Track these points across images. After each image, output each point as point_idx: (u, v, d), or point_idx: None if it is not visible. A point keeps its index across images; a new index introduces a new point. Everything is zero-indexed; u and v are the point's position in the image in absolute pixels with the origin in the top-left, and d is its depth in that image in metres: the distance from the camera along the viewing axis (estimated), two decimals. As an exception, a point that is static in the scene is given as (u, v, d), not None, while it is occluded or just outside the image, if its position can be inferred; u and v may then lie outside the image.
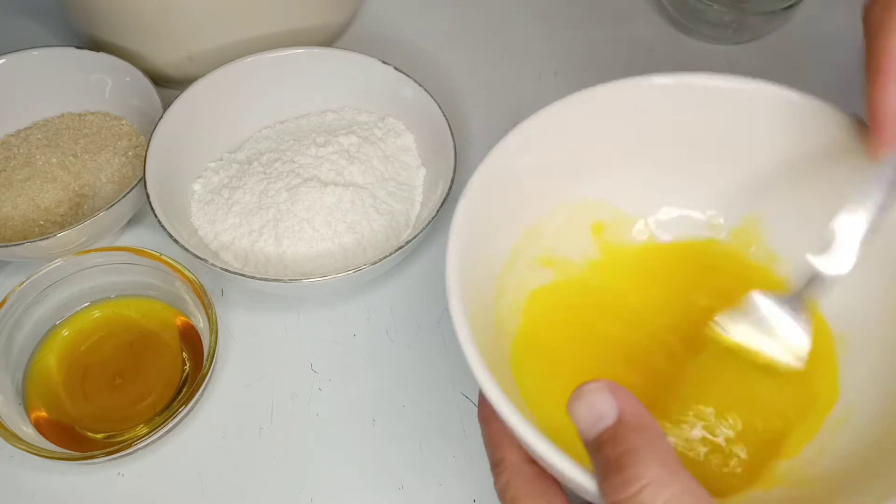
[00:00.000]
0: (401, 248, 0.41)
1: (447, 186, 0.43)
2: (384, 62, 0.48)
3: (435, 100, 0.47)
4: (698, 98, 0.35)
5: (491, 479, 0.40)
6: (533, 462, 0.27)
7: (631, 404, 0.23)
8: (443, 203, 0.42)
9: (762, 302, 0.32)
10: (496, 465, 0.28)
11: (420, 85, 0.47)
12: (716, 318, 0.32)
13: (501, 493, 0.28)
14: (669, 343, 0.35)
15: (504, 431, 0.28)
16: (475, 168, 0.32)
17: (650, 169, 0.36)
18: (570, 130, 0.34)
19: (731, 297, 0.33)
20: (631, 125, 0.35)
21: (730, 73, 0.60)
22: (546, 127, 0.34)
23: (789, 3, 0.58)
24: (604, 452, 0.23)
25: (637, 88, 0.35)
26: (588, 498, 0.25)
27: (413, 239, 0.41)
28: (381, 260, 0.40)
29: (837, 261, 0.30)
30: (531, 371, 0.33)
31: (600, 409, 0.23)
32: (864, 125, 0.31)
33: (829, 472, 0.30)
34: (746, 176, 0.36)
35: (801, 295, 0.31)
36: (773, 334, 0.31)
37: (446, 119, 0.46)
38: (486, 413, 0.29)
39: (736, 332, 0.32)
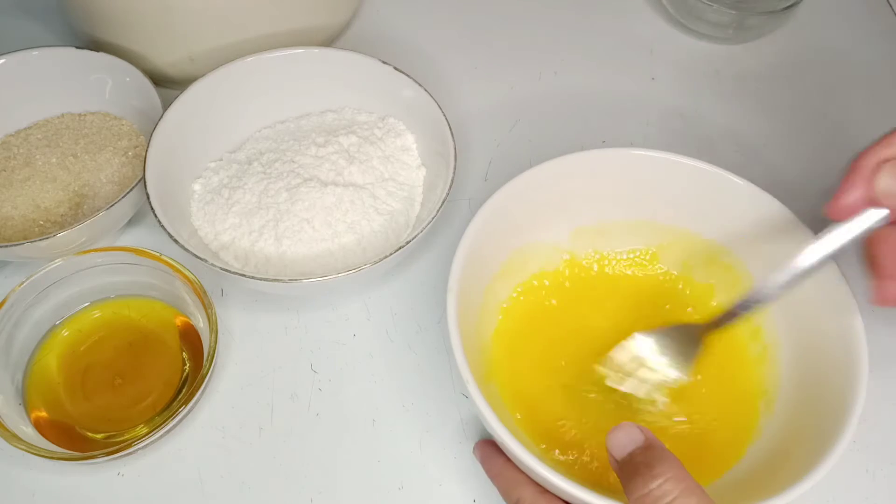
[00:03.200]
0: (401, 248, 0.41)
1: (447, 186, 0.43)
2: (384, 62, 0.48)
3: (435, 100, 0.47)
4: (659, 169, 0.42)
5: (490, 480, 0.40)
6: (546, 493, 0.34)
7: (651, 434, 0.31)
8: (443, 203, 0.42)
9: (640, 341, 0.39)
10: None
11: (420, 85, 0.47)
12: (603, 359, 0.40)
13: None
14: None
15: (516, 477, 0.35)
16: (481, 203, 0.39)
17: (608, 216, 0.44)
18: (555, 183, 0.42)
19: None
20: (603, 182, 0.43)
21: (729, 74, 0.61)
22: (538, 178, 0.41)
23: (789, 3, 0.58)
24: (635, 460, 0.30)
25: (614, 156, 0.42)
26: None
27: (413, 239, 0.41)
28: (381, 260, 0.40)
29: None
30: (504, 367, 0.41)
31: (633, 435, 0.31)
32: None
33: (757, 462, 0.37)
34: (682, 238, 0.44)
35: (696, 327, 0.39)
36: (646, 369, 0.39)
37: (446, 119, 0.46)
38: (497, 466, 0.36)
39: (614, 371, 0.39)
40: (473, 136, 0.54)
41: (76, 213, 0.46)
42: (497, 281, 0.42)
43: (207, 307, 0.40)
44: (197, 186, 0.47)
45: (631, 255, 0.45)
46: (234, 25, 0.51)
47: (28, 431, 0.38)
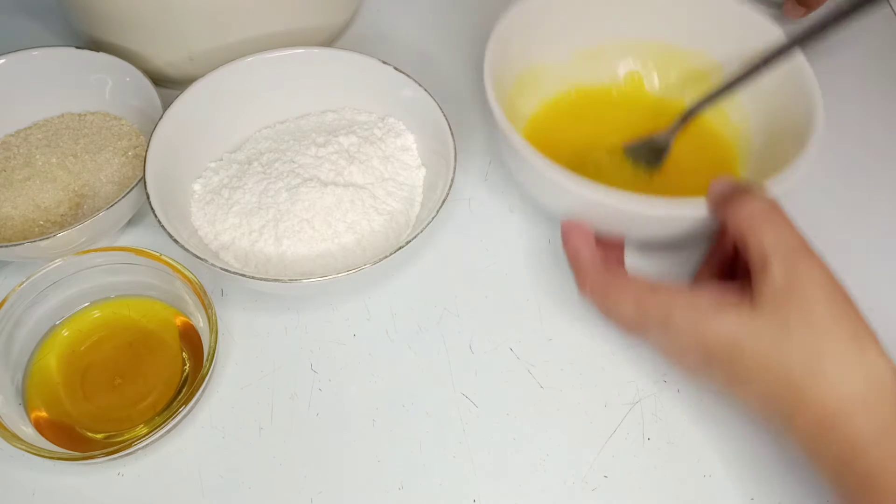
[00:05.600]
0: (401, 248, 0.41)
1: (447, 186, 0.43)
2: (384, 62, 0.48)
3: (435, 100, 0.47)
4: None
5: (491, 480, 0.40)
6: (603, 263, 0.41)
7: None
8: (443, 203, 0.42)
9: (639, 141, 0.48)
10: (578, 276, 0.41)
11: (420, 85, 0.47)
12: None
13: (592, 292, 0.41)
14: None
15: (581, 251, 0.42)
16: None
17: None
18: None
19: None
20: None
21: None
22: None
23: (789, 3, 0.58)
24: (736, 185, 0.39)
25: None
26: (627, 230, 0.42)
27: (413, 239, 0.41)
28: (381, 260, 0.40)
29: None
30: None
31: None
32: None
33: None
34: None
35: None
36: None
37: (446, 119, 0.46)
38: (574, 241, 0.42)
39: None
40: (473, 136, 0.54)
41: (76, 213, 0.46)
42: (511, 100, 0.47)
43: (207, 307, 0.40)
44: (197, 186, 0.47)
45: (628, 75, 0.52)
46: (234, 25, 0.51)
47: (28, 431, 0.38)
